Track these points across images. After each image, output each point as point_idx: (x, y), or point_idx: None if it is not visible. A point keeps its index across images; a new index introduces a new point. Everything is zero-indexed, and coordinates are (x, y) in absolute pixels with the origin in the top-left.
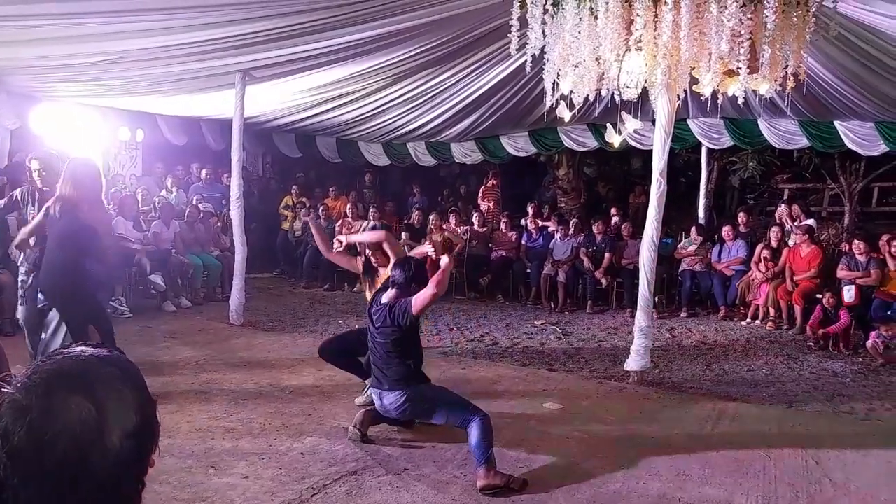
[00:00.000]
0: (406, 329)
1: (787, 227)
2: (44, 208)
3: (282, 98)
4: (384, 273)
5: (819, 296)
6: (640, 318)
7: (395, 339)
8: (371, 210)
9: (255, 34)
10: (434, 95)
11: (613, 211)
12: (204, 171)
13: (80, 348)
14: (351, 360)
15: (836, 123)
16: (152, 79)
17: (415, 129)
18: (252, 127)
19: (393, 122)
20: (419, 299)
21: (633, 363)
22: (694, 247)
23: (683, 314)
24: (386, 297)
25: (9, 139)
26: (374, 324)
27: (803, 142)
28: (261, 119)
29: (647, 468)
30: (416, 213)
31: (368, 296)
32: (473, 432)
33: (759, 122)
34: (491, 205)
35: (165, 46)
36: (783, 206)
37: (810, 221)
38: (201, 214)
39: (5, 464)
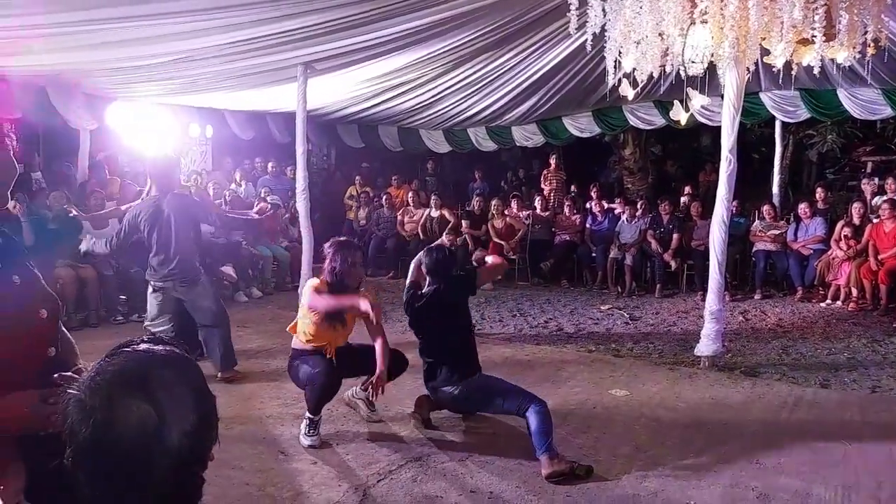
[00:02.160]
0: (465, 300)
1: (873, 202)
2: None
3: (343, 89)
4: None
5: None
6: (711, 301)
7: (461, 313)
8: (433, 198)
9: (314, 27)
10: (493, 79)
11: (687, 190)
12: (270, 165)
13: (143, 346)
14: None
15: None
16: (219, 75)
17: (475, 114)
18: (316, 119)
19: (453, 108)
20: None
21: (704, 348)
22: (776, 232)
23: (758, 296)
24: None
25: (88, 140)
26: (440, 309)
27: (887, 111)
28: (324, 111)
29: (718, 456)
30: (477, 199)
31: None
32: (532, 419)
33: (838, 93)
34: (554, 187)
35: (229, 43)
36: (866, 180)
37: None
38: (270, 209)
39: (71, 458)
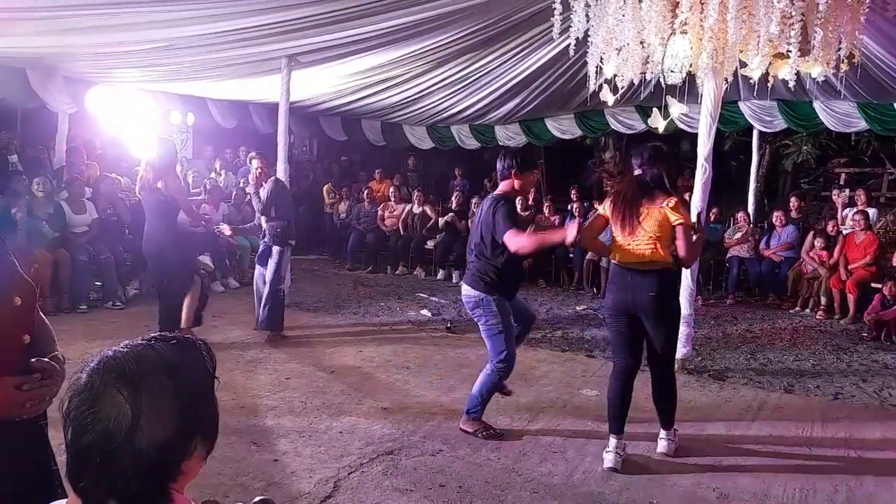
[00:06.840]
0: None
1: (842, 214)
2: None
3: (327, 82)
4: None
5: (875, 285)
6: (682, 306)
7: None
8: (416, 193)
9: (300, 20)
10: (477, 79)
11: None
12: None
13: (160, 346)
14: None
15: None
16: (202, 64)
17: (459, 112)
18: (299, 111)
19: (437, 105)
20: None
21: None
22: (739, 234)
23: (730, 301)
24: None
25: (67, 123)
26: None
27: (861, 124)
28: (307, 103)
29: (683, 457)
30: (457, 194)
31: None
32: (484, 374)
33: (814, 105)
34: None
35: (214, 33)
36: (837, 191)
37: (871, 210)
38: (248, 197)
39: (62, 424)
